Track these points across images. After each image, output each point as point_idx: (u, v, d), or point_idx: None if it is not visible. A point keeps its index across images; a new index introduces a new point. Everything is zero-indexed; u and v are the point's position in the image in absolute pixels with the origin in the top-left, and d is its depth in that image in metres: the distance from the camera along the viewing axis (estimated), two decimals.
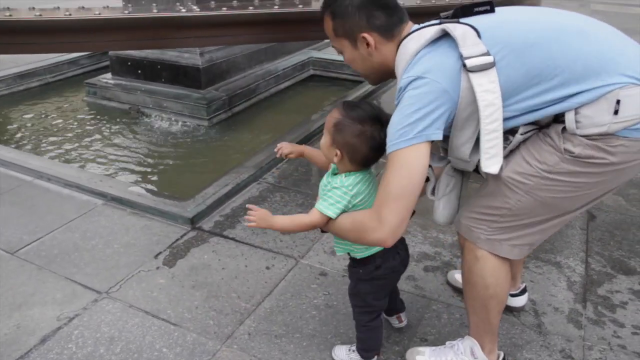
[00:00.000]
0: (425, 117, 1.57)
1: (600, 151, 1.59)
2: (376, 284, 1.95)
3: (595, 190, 1.70)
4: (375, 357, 2.10)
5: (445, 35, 1.63)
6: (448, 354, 2.05)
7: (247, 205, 1.88)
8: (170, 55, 5.01)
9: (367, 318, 2.01)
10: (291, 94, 5.79)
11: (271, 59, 5.82)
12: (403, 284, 2.56)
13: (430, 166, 1.82)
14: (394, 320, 2.27)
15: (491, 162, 1.62)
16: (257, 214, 1.82)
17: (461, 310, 2.43)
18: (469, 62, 1.55)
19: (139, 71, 5.19)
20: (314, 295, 2.51)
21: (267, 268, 2.69)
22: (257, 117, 5.14)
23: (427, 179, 1.85)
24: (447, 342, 2.11)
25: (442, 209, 1.89)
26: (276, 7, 2.87)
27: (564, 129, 1.60)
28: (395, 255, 1.93)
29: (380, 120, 1.72)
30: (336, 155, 1.78)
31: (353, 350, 2.11)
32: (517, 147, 1.72)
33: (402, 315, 2.27)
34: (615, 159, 1.60)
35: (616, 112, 1.53)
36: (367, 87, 5.30)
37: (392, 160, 1.60)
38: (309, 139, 4.07)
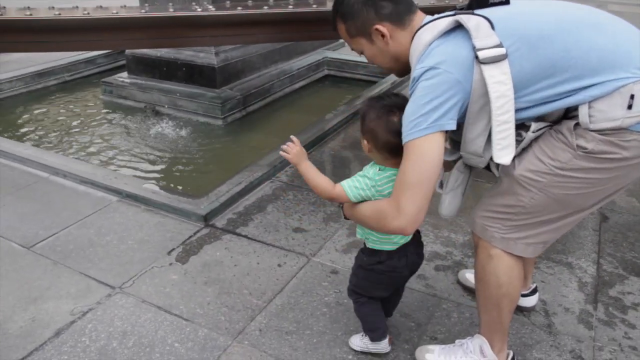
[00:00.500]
0: (438, 107, 1.58)
1: (613, 146, 1.58)
2: (374, 276, 1.99)
3: (609, 186, 1.69)
4: (386, 339, 2.15)
5: (459, 27, 1.64)
6: (457, 353, 2.06)
7: (290, 137, 1.94)
8: (186, 54, 5.05)
9: (354, 297, 2.10)
10: (305, 94, 5.81)
11: (286, 59, 5.84)
12: (414, 283, 2.57)
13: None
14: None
15: (503, 153, 1.62)
16: (294, 150, 1.90)
17: (471, 310, 2.43)
18: (482, 54, 1.56)
19: (155, 70, 5.24)
20: (325, 292, 2.52)
21: (279, 265, 2.71)
22: (272, 117, 5.16)
23: None
24: (457, 341, 2.12)
25: (448, 203, 1.90)
26: (291, 6, 2.89)
27: (577, 124, 1.60)
28: (402, 257, 1.95)
29: (400, 107, 1.73)
30: (364, 144, 1.83)
31: (365, 335, 2.17)
32: (529, 145, 1.71)
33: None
34: (629, 154, 1.59)
35: (630, 107, 1.53)
36: (381, 87, 5.30)
37: (407, 151, 1.63)
38: (323, 138, 4.09)
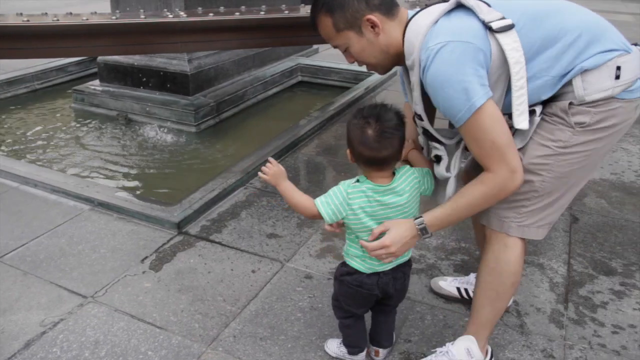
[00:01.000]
0: (475, 77, 1.62)
1: (605, 115, 1.73)
2: (344, 288, 1.97)
3: (601, 153, 1.83)
4: (363, 353, 2.14)
5: (458, 7, 1.70)
6: None
7: (268, 159, 1.95)
8: (159, 61, 5.03)
9: (338, 313, 2.08)
10: (279, 100, 5.82)
11: (259, 66, 5.85)
12: None
13: (443, 144, 1.87)
14: (371, 350, 2.19)
15: (521, 118, 1.69)
16: (272, 171, 1.90)
17: (444, 312, 2.46)
18: (494, 25, 1.63)
19: (127, 78, 5.20)
20: (299, 297, 2.52)
21: (253, 272, 2.71)
22: (245, 124, 5.16)
23: (439, 159, 1.88)
24: (437, 350, 2.09)
25: (454, 185, 1.89)
26: (262, 12, 2.90)
27: (571, 104, 1.71)
28: (372, 275, 1.92)
29: (377, 117, 1.73)
30: (347, 153, 1.84)
31: (342, 344, 2.16)
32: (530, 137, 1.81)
33: (381, 351, 2.17)
34: (617, 120, 1.75)
35: (617, 77, 1.69)
36: (354, 93, 5.34)
37: (478, 121, 1.64)
38: (296, 144, 4.10)
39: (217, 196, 3.31)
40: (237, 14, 2.86)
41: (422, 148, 2.02)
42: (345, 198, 1.81)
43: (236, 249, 2.89)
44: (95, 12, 3.06)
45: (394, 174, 1.84)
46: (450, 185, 1.89)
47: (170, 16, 2.76)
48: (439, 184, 1.95)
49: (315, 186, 3.66)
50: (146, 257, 2.80)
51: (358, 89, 5.48)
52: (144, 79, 5.12)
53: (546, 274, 2.76)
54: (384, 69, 1.91)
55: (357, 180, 1.84)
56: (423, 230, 1.80)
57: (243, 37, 2.88)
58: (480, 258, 2.03)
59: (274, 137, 4.16)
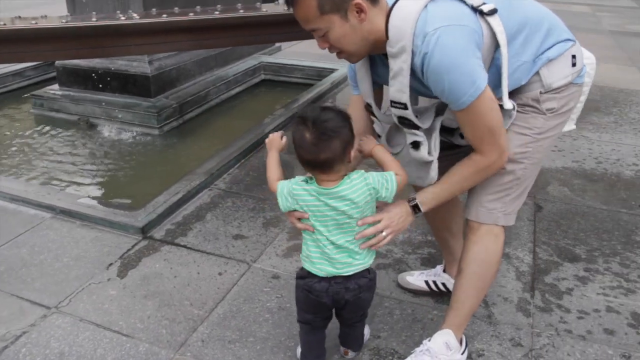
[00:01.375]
0: (477, 59, 1.66)
1: (567, 99, 1.90)
2: (297, 292, 1.95)
3: (559, 132, 1.99)
4: None
5: None
6: None
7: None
8: (119, 64, 4.95)
9: (297, 316, 2.04)
10: (243, 100, 5.78)
11: (222, 65, 5.80)
12: None
13: (422, 130, 1.86)
14: (341, 348, 2.17)
15: (507, 97, 1.79)
16: (270, 137, 2.00)
17: (413, 306, 2.47)
18: (484, 7, 1.68)
19: (88, 81, 5.10)
20: (267, 298, 2.51)
21: (220, 274, 2.68)
22: (209, 124, 5.11)
23: (418, 145, 1.88)
24: (416, 350, 2.08)
25: (436, 166, 1.91)
26: (217, 12, 2.86)
27: (540, 92, 1.84)
28: (323, 281, 1.86)
29: (313, 119, 1.71)
30: None
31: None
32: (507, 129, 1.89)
33: (350, 352, 2.16)
34: (573, 103, 1.94)
35: (574, 65, 1.86)
36: (318, 90, 5.33)
37: (479, 106, 1.69)
38: (260, 143, 4.07)
39: (181, 199, 3.27)
40: (192, 14, 2.82)
41: (379, 136, 2.02)
42: (290, 191, 1.82)
43: (202, 251, 2.86)
44: (46, 16, 2.97)
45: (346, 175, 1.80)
46: (434, 167, 1.90)
47: (123, 18, 2.70)
48: (420, 167, 1.93)
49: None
50: (111, 264, 2.75)
51: (322, 85, 5.47)
52: (105, 82, 5.03)
53: (512, 263, 2.79)
54: (358, 57, 1.85)
55: (306, 180, 1.82)
56: (416, 208, 1.88)
57: (198, 37, 2.84)
58: (464, 251, 2.02)
59: (238, 137, 4.13)
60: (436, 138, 1.89)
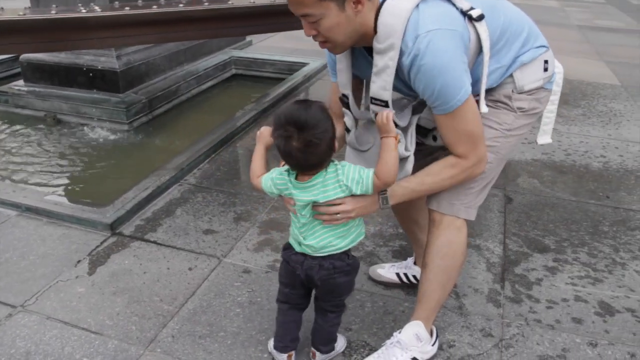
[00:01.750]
0: (464, 65, 1.67)
1: (537, 102, 1.94)
2: (280, 263, 2.03)
3: (524, 135, 2.03)
4: (285, 355, 2.08)
5: None
6: (397, 353, 2.05)
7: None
8: (86, 59, 4.86)
9: (277, 297, 2.08)
10: (213, 94, 5.73)
11: (192, 60, 5.74)
12: None
13: (399, 127, 1.83)
14: (310, 350, 2.15)
15: (483, 102, 1.81)
16: (260, 131, 1.95)
17: (384, 298, 2.47)
18: (473, 13, 1.69)
19: (54, 77, 5.00)
20: (238, 293, 2.49)
21: (190, 269, 2.65)
22: (179, 119, 5.06)
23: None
24: (387, 342, 2.08)
25: (412, 160, 1.88)
26: (181, 5, 2.80)
27: (513, 91, 1.88)
28: (299, 255, 1.91)
29: (299, 125, 1.66)
30: None
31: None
32: None
33: (317, 355, 2.12)
34: (541, 107, 1.99)
35: (546, 70, 1.91)
36: (289, 84, 5.31)
37: (463, 110, 1.70)
38: (230, 138, 4.04)
39: (151, 194, 3.23)
40: (155, 7, 2.76)
41: (348, 130, 2.01)
42: (274, 183, 1.85)
43: (172, 247, 2.83)
44: (2, 8, 2.88)
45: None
46: (410, 161, 1.88)
47: (84, 11, 2.63)
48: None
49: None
50: (79, 261, 2.70)
51: (293, 80, 5.45)
52: (72, 78, 4.94)
53: (483, 254, 2.82)
54: (343, 49, 1.81)
55: (288, 172, 1.82)
56: (384, 200, 1.83)
57: (163, 30, 2.78)
58: (428, 245, 2.02)
59: (208, 132, 4.09)
60: (412, 134, 1.87)
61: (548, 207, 3.33)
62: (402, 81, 1.76)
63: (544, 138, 2.19)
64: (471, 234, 2.95)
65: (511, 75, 1.88)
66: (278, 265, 2.61)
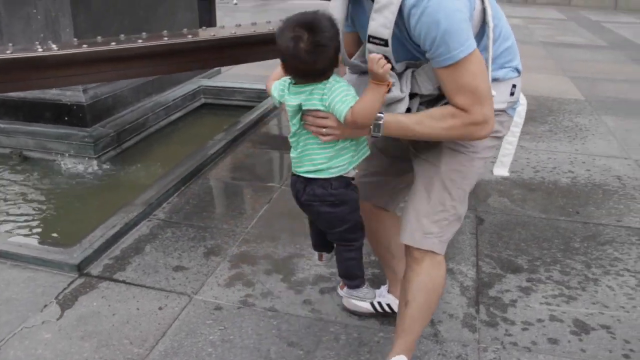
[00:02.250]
0: (468, 22, 1.61)
1: (500, 125, 1.88)
2: None
3: (489, 160, 1.98)
4: (317, 253, 2.18)
5: None
6: None
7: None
8: (52, 93, 4.78)
9: None
10: (183, 125, 5.69)
11: (160, 90, 5.69)
12: (299, 308, 2.56)
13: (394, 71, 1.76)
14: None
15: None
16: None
17: (359, 329, 2.44)
18: None
19: (19, 112, 4.91)
20: (210, 331, 2.44)
21: (160, 308, 2.59)
22: (148, 151, 5.00)
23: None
24: None
25: (407, 103, 1.80)
26: (140, 41, 2.75)
27: None
28: (294, 176, 1.93)
29: (308, 27, 1.65)
30: None
31: None
32: (438, 143, 1.85)
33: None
34: (504, 132, 1.94)
35: (512, 94, 1.86)
36: (259, 112, 5.30)
37: (469, 63, 1.61)
38: (200, 169, 4.00)
39: (119, 232, 3.16)
40: (113, 43, 2.73)
41: None
42: (277, 84, 1.85)
43: (141, 286, 2.77)
44: None
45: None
46: (404, 104, 1.79)
47: (40, 50, 2.59)
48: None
49: (228, 208, 3.59)
50: (45, 306, 2.63)
51: (263, 107, 5.44)
52: (38, 113, 4.86)
53: (456, 278, 2.80)
54: None
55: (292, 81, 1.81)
56: (376, 127, 1.72)
57: (123, 67, 2.75)
58: (407, 281, 2.00)
59: (177, 164, 4.04)
60: (407, 77, 1.78)
61: (519, 226, 3.34)
62: (400, 40, 1.70)
63: (501, 170, 2.12)
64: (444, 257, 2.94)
65: None
66: (250, 300, 2.60)
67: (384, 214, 2.28)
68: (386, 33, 1.65)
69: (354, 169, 1.91)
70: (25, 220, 3.81)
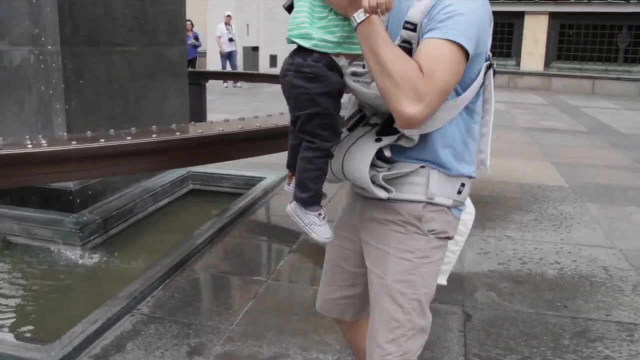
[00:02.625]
0: (480, 29, 1.60)
1: (447, 225, 1.76)
2: None
3: (440, 262, 1.81)
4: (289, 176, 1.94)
5: None
6: None
7: None
8: None
9: None
10: (171, 211, 5.67)
11: (148, 177, 5.70)
12: None
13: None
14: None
15: None
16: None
17: None
18: None
19: (5, 196, 4.90)
20: None
21: None
22: (135, 239, 4.97)
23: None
24: None
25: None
26: (129, 137, 2.79)
27: (423, 206, 1.71)
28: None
29: None
30: None
31: None
32: (382, 249, 1.75)
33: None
34: (451, 234, 1.79)
35: (459, 193, 1.75)
36: (247, 199, 5.31)
37: (445, 51, 1.55)
38: (186, 261, 3.96)
39: (100, 327, 3.09)
40: (102, 140, 2.75)
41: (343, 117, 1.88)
42: None
43: None
44: None
45: None
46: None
47: (30, 146, 2.62)
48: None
49: (213, 303, 3.53)
50: None
51: (251, 194, 5.47)
52: (24, 197, 4.84)
53: None
54: None
55: None
56: (360, 16, 1.57)
57: (109, 164, 2.77)
58: None
59: (163, 254, 4.00)
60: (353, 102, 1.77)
61: (508, 322, 3.30)
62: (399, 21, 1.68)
63: (441, 278, 1.99)
64: (432, 358, 2.89)
65: (428, 175, 1.70)
66: None
67: (358, 322, 2.14)
68: (418, 18, 1.63)
69: (345, 58, 1.74)
70: (3, 312, 3.72)
